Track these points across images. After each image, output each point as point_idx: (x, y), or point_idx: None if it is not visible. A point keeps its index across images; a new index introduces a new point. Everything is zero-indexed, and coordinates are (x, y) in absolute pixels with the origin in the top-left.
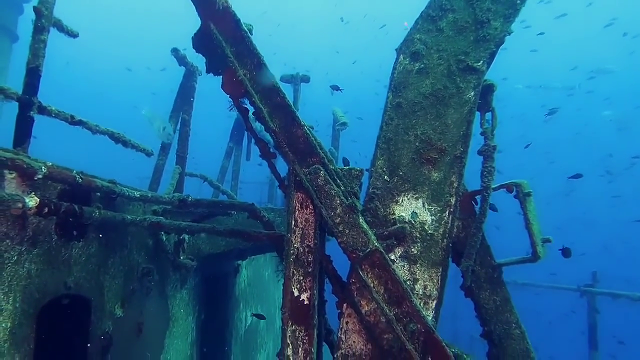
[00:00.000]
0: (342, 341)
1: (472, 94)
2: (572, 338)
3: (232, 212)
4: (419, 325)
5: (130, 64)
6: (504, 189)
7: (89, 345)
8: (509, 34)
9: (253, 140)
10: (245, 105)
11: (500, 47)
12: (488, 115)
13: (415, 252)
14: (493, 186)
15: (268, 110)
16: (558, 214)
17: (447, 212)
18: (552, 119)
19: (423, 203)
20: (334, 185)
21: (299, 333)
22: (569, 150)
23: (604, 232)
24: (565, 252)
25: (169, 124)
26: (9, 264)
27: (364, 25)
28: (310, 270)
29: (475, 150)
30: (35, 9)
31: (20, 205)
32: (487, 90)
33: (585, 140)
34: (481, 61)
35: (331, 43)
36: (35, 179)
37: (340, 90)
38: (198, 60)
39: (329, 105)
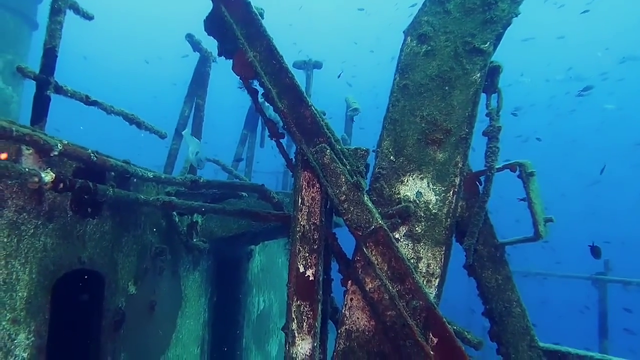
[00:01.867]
0: (347, 317)
1: (478, 75)
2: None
3: (244, 194)
4: (421, 302)
5: (148, 55)
6: (508, 169)
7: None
8: (516, 16)
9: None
10: (255, 87)
11: (507, 28)
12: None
13: (419, 231)
14: (497, 166)
15: (277, 91)
16: (582, 204)
17: (451, 192)
18: (579, 107)
19: (428, 183)
20: (339, 164)
21: (303, 308)
22: (596, 139)
23: (628, 224)
24: (595, 252)
25: (203, 150)
26: (26, 237)
27: (385, 8)
28: (315, 247)
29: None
30: None
31: (36, 179)
32: (493, 72)
33: (614, 129)
34: (488, 43)
35: (349, 31)
36: (52, 155)
37: (341, 72)
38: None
39: (345, 95)
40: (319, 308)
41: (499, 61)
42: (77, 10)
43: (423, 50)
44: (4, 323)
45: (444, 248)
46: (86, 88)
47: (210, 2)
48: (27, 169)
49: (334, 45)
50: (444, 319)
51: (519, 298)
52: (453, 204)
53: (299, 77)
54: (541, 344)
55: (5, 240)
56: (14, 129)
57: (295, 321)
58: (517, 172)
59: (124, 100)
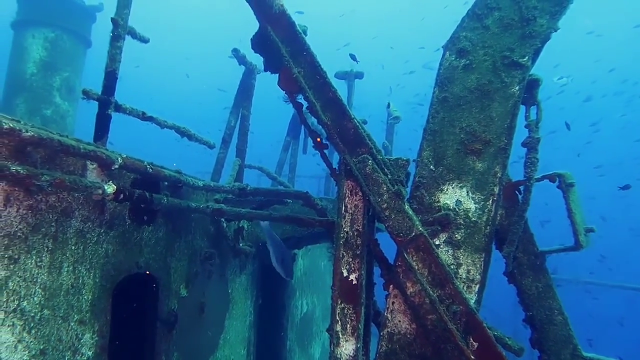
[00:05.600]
0: (389, 320)
1: (517, 88)
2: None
3: (288, 201)
4: (461, 307)
5: (191, 67)
6: (547, 179)
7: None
8: (555, 31)
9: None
10: (300, 101)
11: (546, 43)
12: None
13: (459, 238)
14: (536, 177)
15: (321, 105)
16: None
17: (490, 200)
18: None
19: (467, 192)
20: (381, 173)
21: (347, 311)
22: None
23: None
24: None
25: (284, 250)
26: (90, 244)
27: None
28: (358, 252)
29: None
30: (112, 19)
31: (100, 191)
32: (532, 85)
33: None
34: (526, 57)
35: (388, 35)
36: (113, 169)
37: (356, 61)
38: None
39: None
40: (362, 311)
41: (538, 74)
42: (134, 35)
43: (462, 64)
44: (72, 324)
45: (483, 255)
46: (139, 93)
47: (256, 20)
48: (91, 182)
49: (374, 48)
50: (485, 324)
51: (560, 306)
52: (492, 212)
53: (341, 87)
54: (585, 354)
55: (73, 247)
56: (81, 147)
57: (340, 323)
58: (557, 183)
59: (171, 105)
